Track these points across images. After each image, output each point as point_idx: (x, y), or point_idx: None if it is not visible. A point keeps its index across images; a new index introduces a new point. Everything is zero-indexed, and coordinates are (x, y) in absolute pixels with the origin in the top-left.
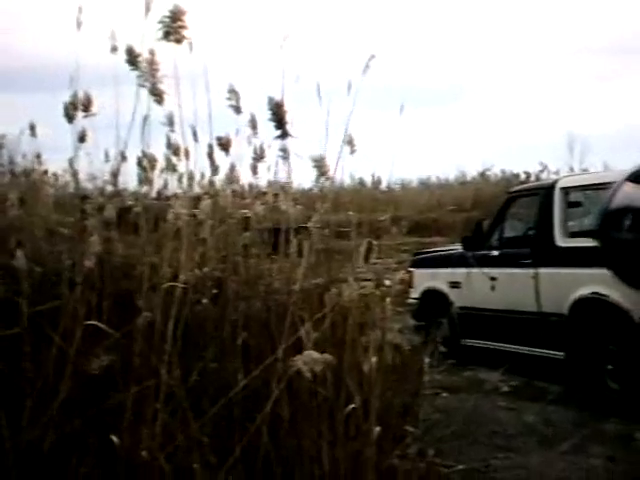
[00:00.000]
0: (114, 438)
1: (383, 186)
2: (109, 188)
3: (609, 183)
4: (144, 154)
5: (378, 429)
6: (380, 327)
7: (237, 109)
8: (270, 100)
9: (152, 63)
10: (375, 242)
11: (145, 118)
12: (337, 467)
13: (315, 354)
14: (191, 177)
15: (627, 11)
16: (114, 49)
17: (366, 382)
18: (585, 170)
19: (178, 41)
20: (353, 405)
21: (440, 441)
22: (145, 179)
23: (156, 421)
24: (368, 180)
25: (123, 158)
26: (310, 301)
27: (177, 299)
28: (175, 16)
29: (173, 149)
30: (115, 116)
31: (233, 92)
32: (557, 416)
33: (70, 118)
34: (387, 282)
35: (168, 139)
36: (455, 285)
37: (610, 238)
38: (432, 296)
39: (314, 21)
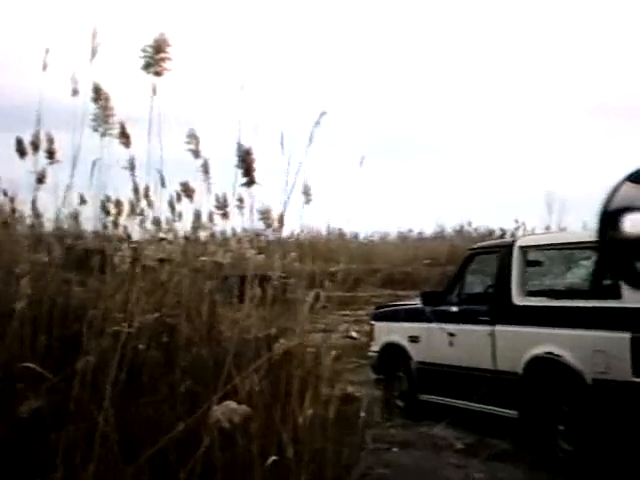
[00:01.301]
0: None
1: (361, 238)
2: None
3: (568, 243)
4: (108, 198)
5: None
6: (329, 379)
7: (196, 153)
8: (239, 147)
9: (106, 108)
10: (323, 293)
11: (94, 162)
12: None
13: (233, 405)
14: (157, 222)
15: (610, 72)
16: (75, 92)
17: (300, 434)
18: (563, 229)
19: (158, 74)
20: (274, 457)
21: None
22: (112, 223)
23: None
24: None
25: (82, 201)
26: (259, 350)
27: (121, 344)
28: (158, 47)
29: (141, 193)
30: (75, 158)
31: (193, 137)
32: (505, 474)
33: (22, 154)
34: (354, 333)
35: (134, 183)
36: (414, 339)
37: (609, 238)
38: (392, 350)
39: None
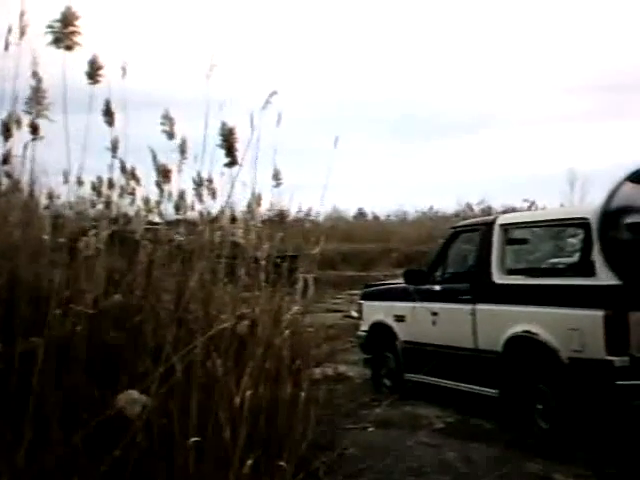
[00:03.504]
0: None
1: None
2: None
3: (548, 220)
4: (100, 179)
5: (250, 462)
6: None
7: (170, 135)
8: (223, 125)
9: (38, 90)
10: (311, 277)
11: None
12: None
13: (135, 394)
14: (146, 202)
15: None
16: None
17: (237, 415)
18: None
19: (69, 48)
20: (196, 438)
21: (352, 476)
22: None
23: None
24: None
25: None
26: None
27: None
28: (67, 21)
29: (128, 174)
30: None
31: (167, 118)
32: (479, 454)
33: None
34: (354, 313)
35: (122, 164)
36: (400, 319)
37: (609, 238)
38: (379, 329)
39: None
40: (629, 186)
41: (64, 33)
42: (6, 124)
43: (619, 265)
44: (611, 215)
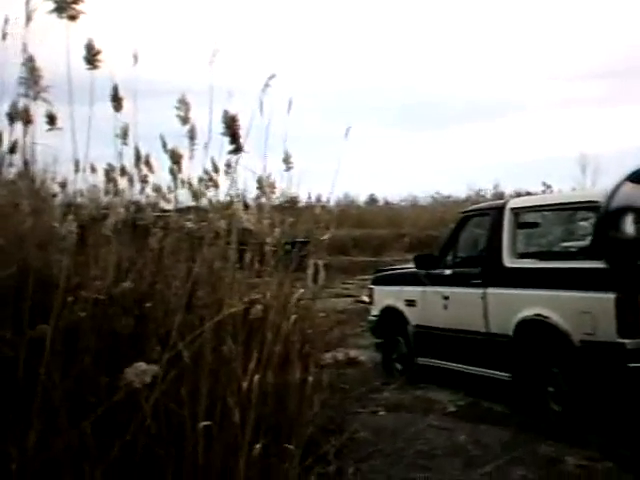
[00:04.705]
0: None
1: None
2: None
3: (559, 204)
4: (111, 166)
5: (259, 446)
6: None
7: (184, 120)
8: (225, 113)
9: (33, 70)
10: (322, 263)
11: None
12: None
13: (144, 365)
14: (157, 189)
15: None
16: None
17: (245, 399)
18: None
19: (72, 18)
20: (206, 423)
21: (362, 460)
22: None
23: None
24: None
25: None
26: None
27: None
28: None
29: (144, 161)
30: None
31: (183, 102)
32: (491, 437)
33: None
34: (365, 298)
35: (137, 150)
36: (411, 303)
37: (610, 238)
38: (390, 313)
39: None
40: (629, 186)
41: (67, 2)
42: (10, 113)
43: (619, 265)
44: (611, 215)
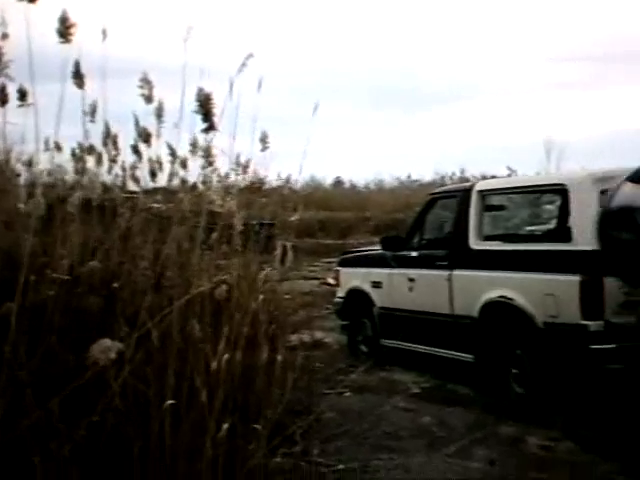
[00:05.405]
0: None
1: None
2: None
3: (526, 187)
4: (80, 145)
5: (226, 426)
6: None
7: (148, 98)
8: (199, 91)
9: None
10: (289, 244)
11: None
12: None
13: (109, 342)
14: (124, 169)
15: (610, 18)
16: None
17: (213, 380)
18: None
19: (32, 0)
20: (172, 401)
21: (328, 440)
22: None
23: None
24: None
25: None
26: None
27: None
28: None
29: (110, 139)
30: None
31: (145, 81)
32: (455, 418)
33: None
34: (330, 280)
35: (107, 128)
36: (377, 285)
37: (610, 238)
38: (356, 295)
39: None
40: (629, 186)
41: None
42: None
43: (619, 265)
44: (611, 215)
